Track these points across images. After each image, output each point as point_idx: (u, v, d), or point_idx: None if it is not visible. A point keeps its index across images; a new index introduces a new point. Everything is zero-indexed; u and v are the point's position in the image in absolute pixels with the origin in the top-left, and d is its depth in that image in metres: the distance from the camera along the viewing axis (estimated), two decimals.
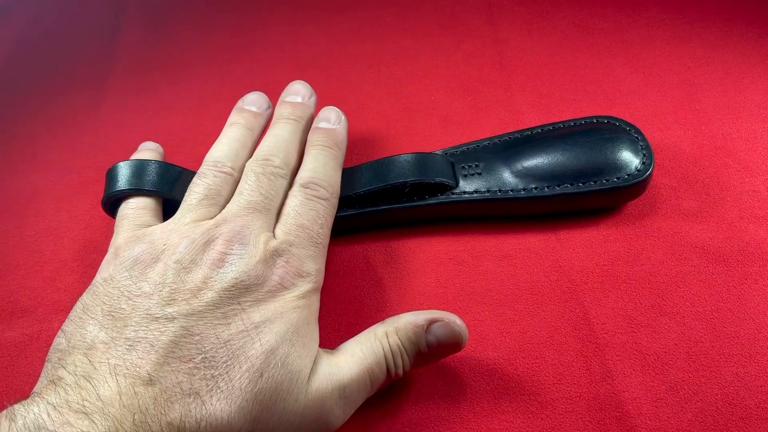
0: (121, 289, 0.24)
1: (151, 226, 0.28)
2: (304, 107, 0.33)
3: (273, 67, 0.43)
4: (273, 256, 0.25)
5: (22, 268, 0.34)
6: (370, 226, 0.34)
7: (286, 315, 0.24)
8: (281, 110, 0.32)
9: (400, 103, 0.40)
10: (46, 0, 0.50)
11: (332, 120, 0.32)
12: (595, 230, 0.32)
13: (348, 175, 0.32)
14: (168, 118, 0.41)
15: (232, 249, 0.25)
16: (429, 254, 0.33)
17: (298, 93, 0.33)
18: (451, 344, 0.26)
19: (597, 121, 0.34)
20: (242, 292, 0.24)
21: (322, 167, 0.30)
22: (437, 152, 0.34)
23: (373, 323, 0.27)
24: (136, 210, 0.29)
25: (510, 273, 0.31)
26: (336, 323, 0.31)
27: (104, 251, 0.28)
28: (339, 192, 0.30)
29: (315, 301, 0.26)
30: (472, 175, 0.33)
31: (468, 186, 0.32)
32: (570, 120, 0.35)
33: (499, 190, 0.32)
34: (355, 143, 0.38)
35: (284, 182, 0.29)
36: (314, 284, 0.26)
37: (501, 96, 0.39)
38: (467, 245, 0.33)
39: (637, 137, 0.32)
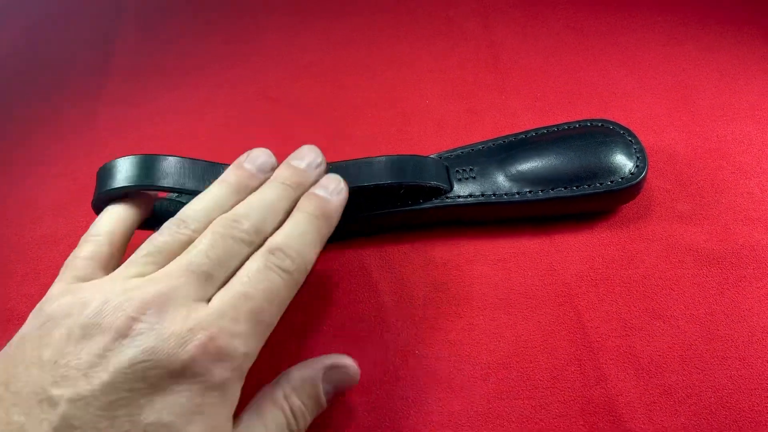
0: (26, 352, 0.21)
1: (92, 280, 0.25)
2: (304, 175, 0.28)
3: (268, 74, 0.43)
4: (193, 329, 0.21)
5: (19, 276, 0.34)
6: (365, 230, 0.34)
7: (185, 416, 0.20)
8: (279, 172, 0.29)
9: (394, 108, 0.40)
10: (42, 7, 0.51)
11: (330, 189, 0.28)
12: (590, 234, 0.33)
13: (338, 169, 0.31)
14: (163, 124, 0.41)
15: (143, 316, 0.21)
16: (423, 258, 0.33)
17: (303, 158, 0.29)
18: (345, 387, 0.26)
19: (591, 124, 0.34)
20: (139, 376, 0.20)
21: (298, 235, 0.26)
22: (432, 156, 0.34)
23: (368, 327, 0.27)
24: (83, 261, 0.26)
25: (504, 277, 0.31)
26: (332, 329, 0.31)
27: None
28: (309, 269, 0.26)
29: (232, 394, 0.22)
30: (467, 179, 0.33)
31: (462, 190, 0.32)
32: (564, 123, 0.35)
33: (494, 194, 0.32)
34: (349, 148, 0.38)
35: (246, 250, 0.25)
36: (233, 372, 0.22)
37: (496, 99, 0.39)
38: (461, 249, 0.33)
39: (630, 140, 0.32)
